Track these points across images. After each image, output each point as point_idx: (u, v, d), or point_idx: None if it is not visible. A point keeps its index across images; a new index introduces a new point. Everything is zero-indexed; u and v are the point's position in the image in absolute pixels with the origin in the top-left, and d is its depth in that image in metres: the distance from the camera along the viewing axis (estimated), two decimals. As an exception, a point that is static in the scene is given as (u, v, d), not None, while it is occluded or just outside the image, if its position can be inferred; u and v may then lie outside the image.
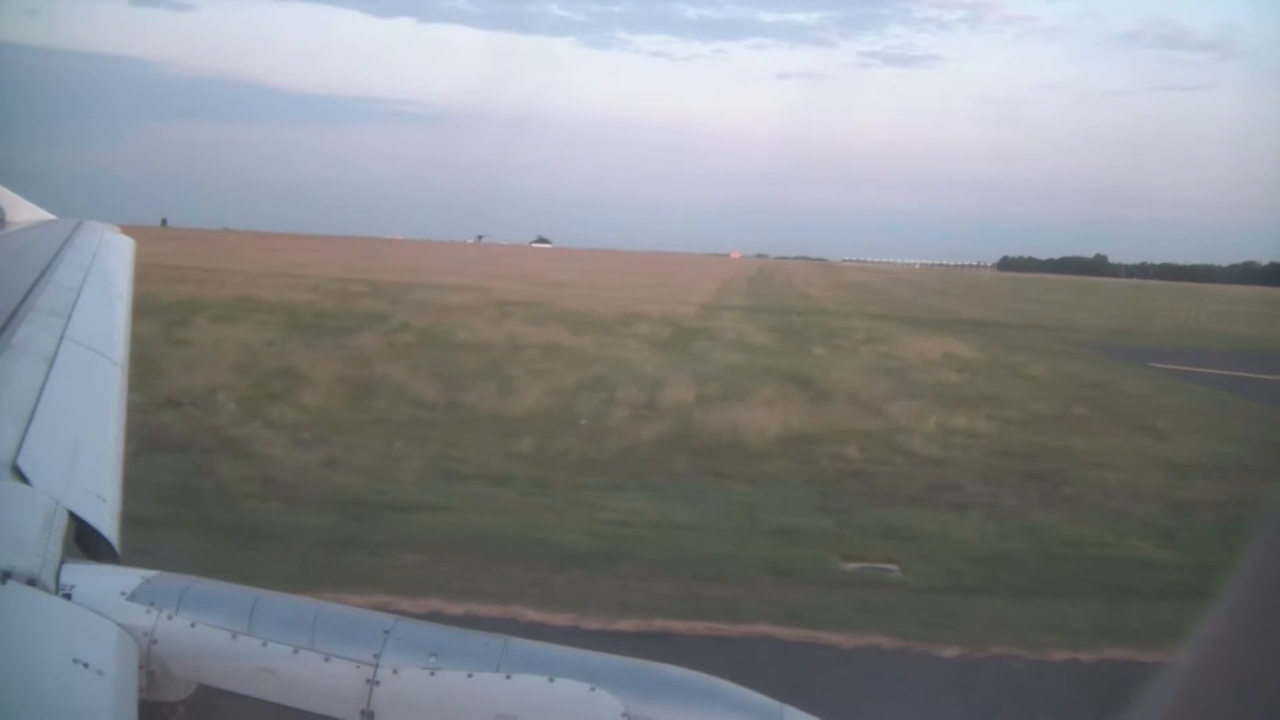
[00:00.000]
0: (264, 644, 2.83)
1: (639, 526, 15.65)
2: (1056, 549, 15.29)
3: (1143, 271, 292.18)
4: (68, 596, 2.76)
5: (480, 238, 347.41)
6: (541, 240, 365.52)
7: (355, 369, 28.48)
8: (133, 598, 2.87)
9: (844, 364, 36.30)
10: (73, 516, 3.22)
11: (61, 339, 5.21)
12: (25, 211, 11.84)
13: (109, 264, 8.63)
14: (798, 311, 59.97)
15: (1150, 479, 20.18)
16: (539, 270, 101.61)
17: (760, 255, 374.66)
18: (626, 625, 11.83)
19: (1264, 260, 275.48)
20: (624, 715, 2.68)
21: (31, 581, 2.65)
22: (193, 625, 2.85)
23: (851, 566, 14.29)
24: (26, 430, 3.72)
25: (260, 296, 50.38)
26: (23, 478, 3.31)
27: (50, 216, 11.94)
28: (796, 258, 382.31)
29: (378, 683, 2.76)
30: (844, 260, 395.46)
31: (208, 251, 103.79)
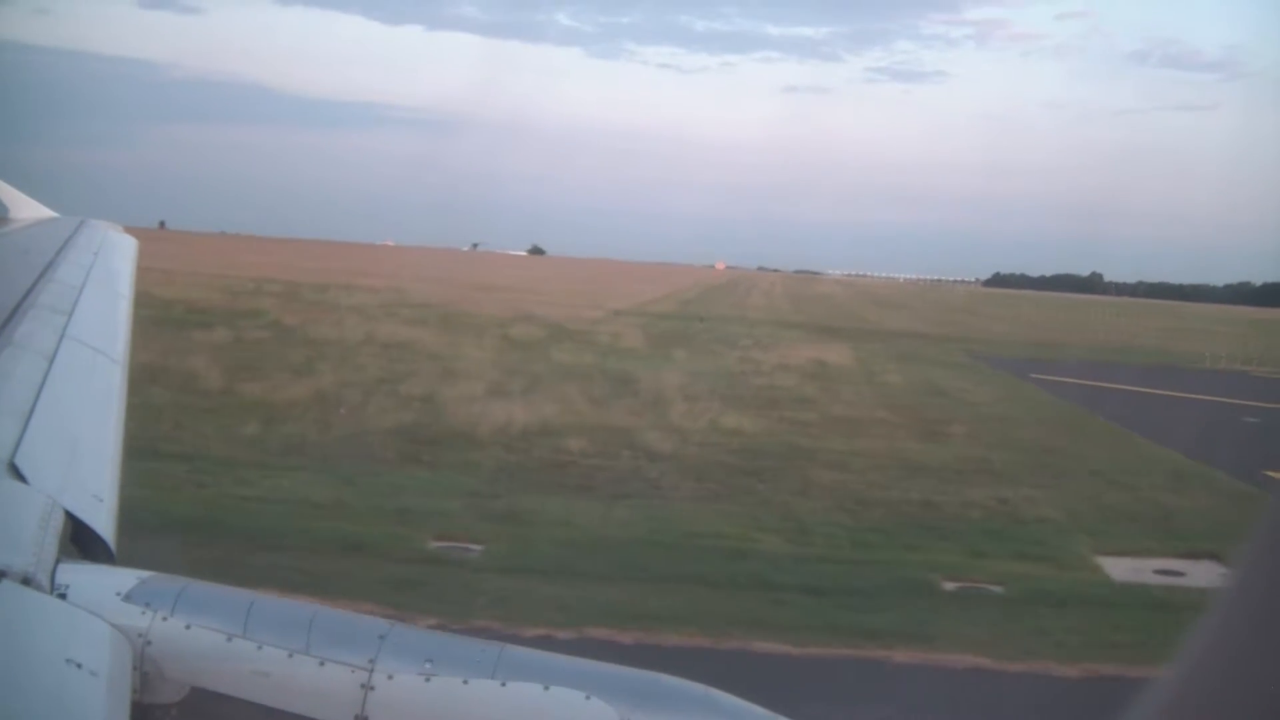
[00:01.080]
0: (259, 647, 2.80)
1: (269, 503, 15.72)
2: (669, 539, 15.21)
3: (1134, 290, 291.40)
4: (63, 596, 2.73)
5: (476, 245, 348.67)
6: (536, 250, 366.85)
7: (166, 357, 28.52)
8: (128, 598, 2.84)
9: (687, 367, 36.23)
10: (69, 516, 3.18)
11: (62, 337, 5.17)
12: (28, 209, 11.83)
13: (111, 263, 8.59)
14: (700, 318, 60.02)
15: (869, 479, 20.07)
16: (487, 277, 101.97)
17: (761, 268, 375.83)
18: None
19: (1258, 281, 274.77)
20: None
21: (26, 581, 2.61)
22: (188, 627, 2.82)
23: (435, 545, 14.27)
24: (25, 428, 3.67)
25: (154, 292, 50.54)
26: (20, 476, 3.27)
27: (53, 214, 11.93)
28: (797, 271, 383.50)
29: (372, 688, 2.74)
30: (841, 274, 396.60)
31: (168, 253, 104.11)
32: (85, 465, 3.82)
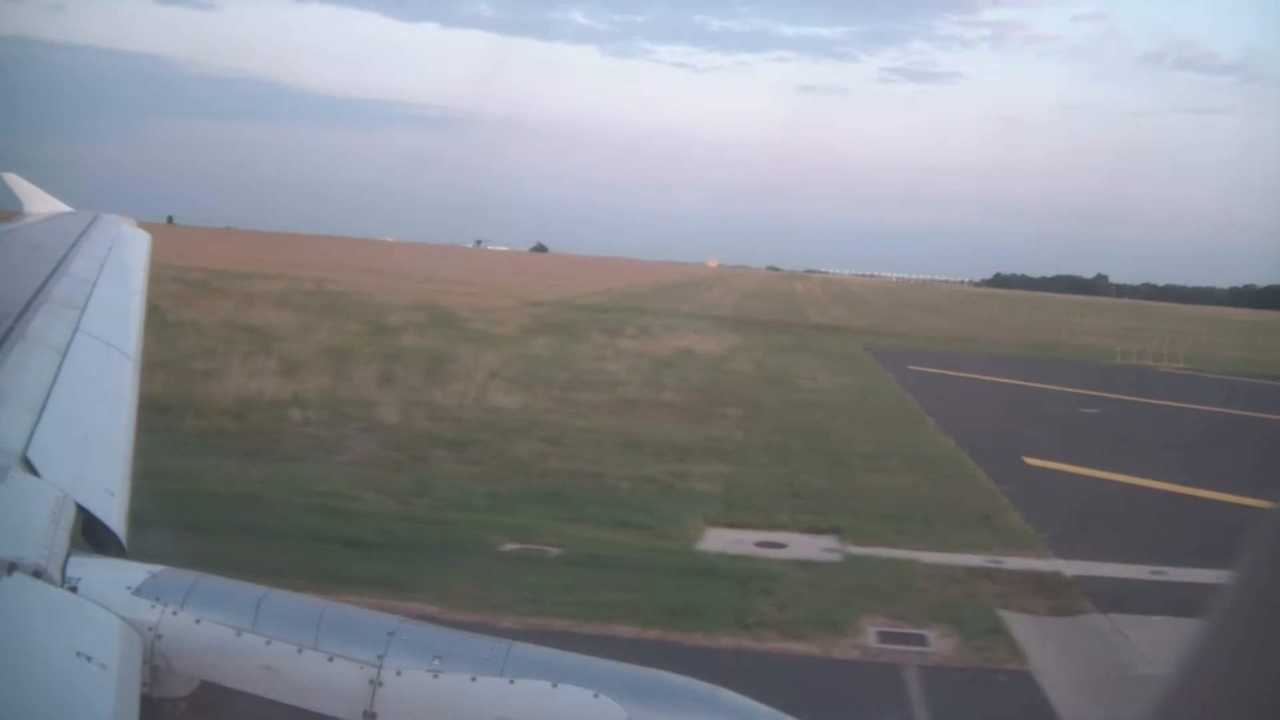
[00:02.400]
0: (268, 642, 2.81)
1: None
2: (276, 495, 15.54)
3: (1135, 292, 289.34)
4: (73, 589, 2.74)
5: (480, 242, 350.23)
6: (540, 247, 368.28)
7: None
8: (138, 592, 2.85)
9: (528, 352, 36.54)
10: (81, 509, 3.20)
11: (75, 331, 5.18)
12: (43, 203, 12.05)
13: (125, 257, 8.62)
14: (608, 309, 60.38)
15: (570, 453, 20.24)
16: (439, 270, 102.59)
17: (771, 268, 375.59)
18: None
19: (1262, 283, 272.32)
20: None
21: (37, 573, 2.61)
22: (198, 621, 2.83)
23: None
24: (37, 422, 3.68)
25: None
26: (32, 469, 3.28)
27: (67, 209, 12.04)
28: (807, 270, 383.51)
29: (381, 684, 2.75)
30: (849, 273, 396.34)
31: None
32: (97, 459, 3.83)
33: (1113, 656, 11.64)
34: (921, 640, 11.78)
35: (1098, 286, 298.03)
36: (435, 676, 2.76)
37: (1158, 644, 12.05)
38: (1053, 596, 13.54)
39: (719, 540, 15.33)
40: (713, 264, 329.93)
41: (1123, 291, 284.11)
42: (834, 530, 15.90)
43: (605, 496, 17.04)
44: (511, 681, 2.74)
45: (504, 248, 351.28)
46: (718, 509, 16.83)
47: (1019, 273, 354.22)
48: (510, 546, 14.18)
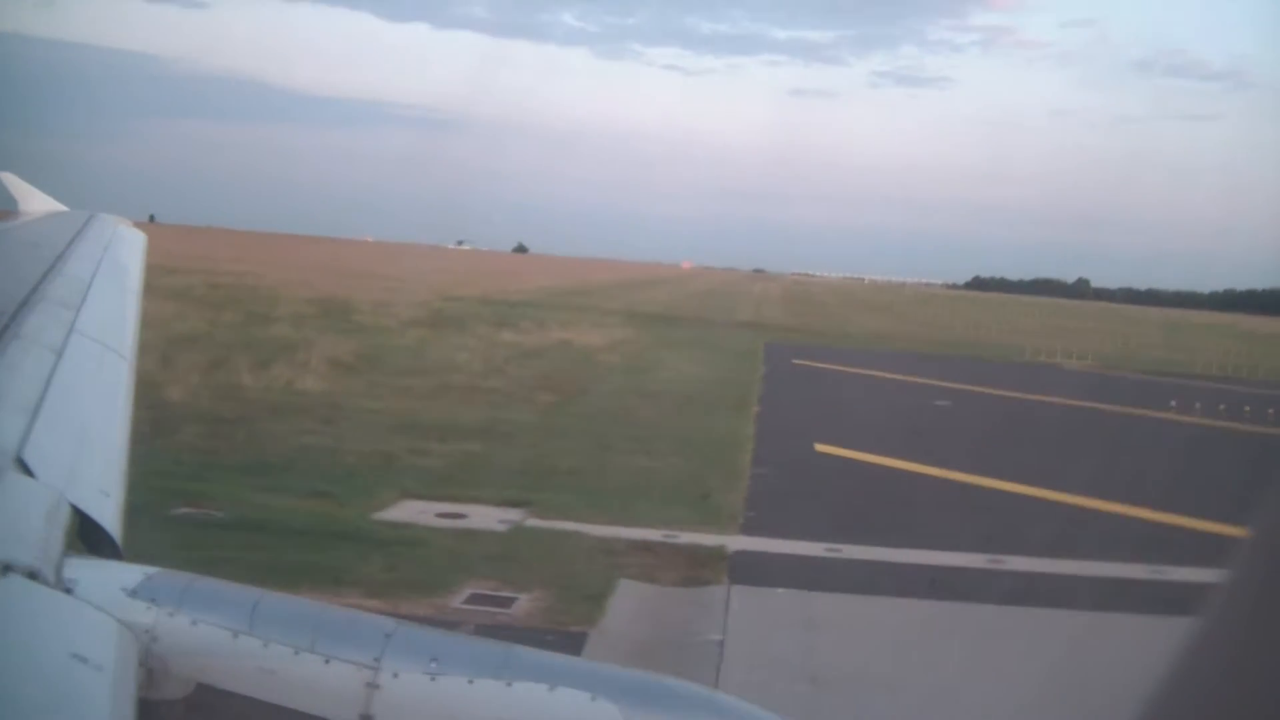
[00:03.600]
0: (265, 644, 2.80)
1: None
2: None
3: (1113, 295, 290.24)
4: (69, 591, 2.71)
5: (460, 243, 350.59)
6: (520, 248, 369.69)
7: None
8: (134, 594, 2.83)
9: (399, 344, 36.84)
10: (76, 510, 3.18)
11: (70, 331, 5.13)
12: (38, 202, 11.93)
13: (120, 257, 8.52)
14: (510, 303, 60.60)
15: (328, 428, 20.63)
16: (383, 268, 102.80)
17: (757, 270, 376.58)
18: None
19: (1242, 288, 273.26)
20: None
21: (32, 575, 2.58)
22: (194, 623, 2.82)
23: None
24: (32, 422, 3.64)
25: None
26: (27, 470, 3.24)
27: (63, 208, 11.99)
28: (793, 272, 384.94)
29: (378, 686, 2.74)
30: (835, 275, 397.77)
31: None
32: (92, 460, 3.83)
33: (690, 624, 11.80)
34: (508, 603, 11.92)
35: (1077, 290, 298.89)
36: (433, 679, 2.75)
37: (755, 614, 12.28)
38: (694, 569, 13.69)
39: (402, 511, 15.48)
40: (686, 265, 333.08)
41: (1101, 295, 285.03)
42: (527, 504, 16.03)
43: (321, 470, 17.22)
44: (509, 684, 2.74)
45: (485, 248, 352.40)
46: (429, 484, 16.98)
47: (998, 276, 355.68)
48: (181, 511, 14.33)
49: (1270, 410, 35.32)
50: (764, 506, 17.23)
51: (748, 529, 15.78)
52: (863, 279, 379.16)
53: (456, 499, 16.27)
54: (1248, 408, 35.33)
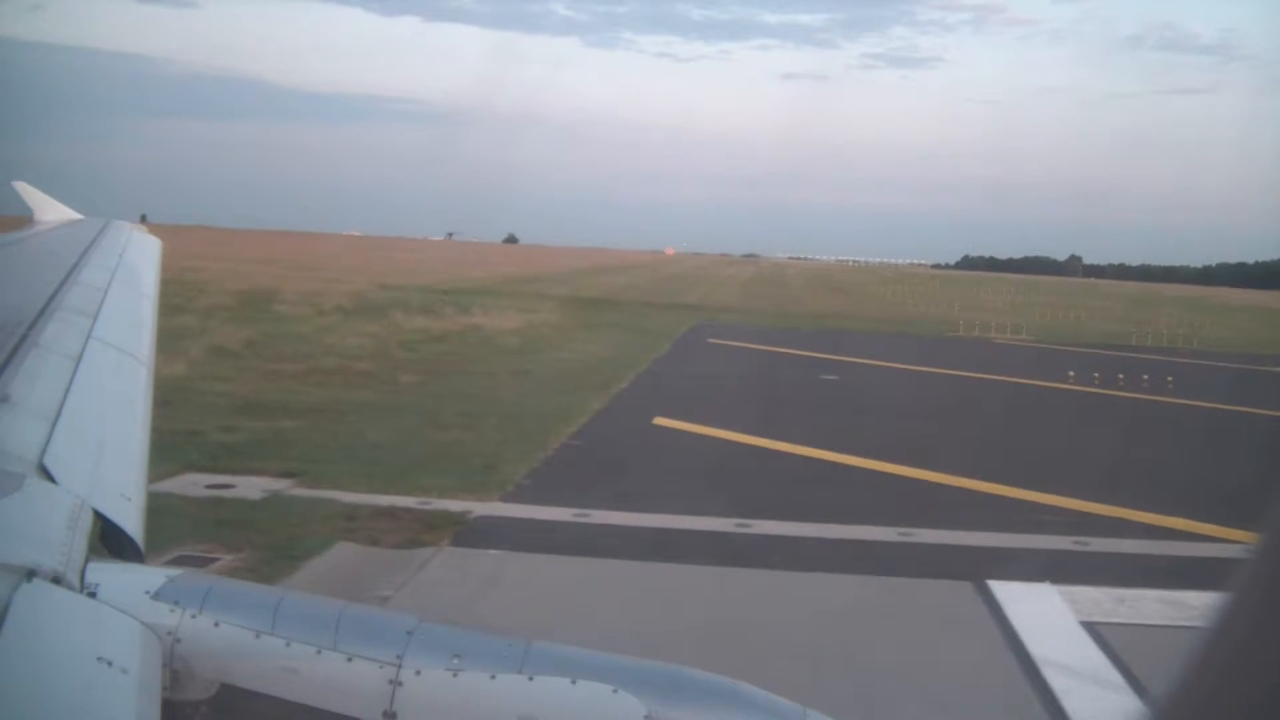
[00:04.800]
0: (287, 644, 2.83)
1: None
2: None
3: (1102, 272, 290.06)
4: (92, 595, 2.74)
5: (451, 235, 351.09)
6: (511, 239, 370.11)
7: None
8: (157, 596, 2.87)
9: (302, 330, 37.29)
10: (98, 515, 3.20)
11: (88, 338, 5.19)
12: (53, 211, 12.15)
13: (136, 263, 8.65)
14: (444, 291, 60.97)
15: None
16: (351, 260, 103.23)
17: (750, 254, 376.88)
18: None
19: (1233, 261, 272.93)
20: (646, 718, 2.70)
21: (56, 580, 2.60)
22: (216, 624, 2.86)
23: None
24: (53, 429, 3.70)
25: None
26: (49, 476, 3.29)
27: (78, 216, 12.20)
28: (788, 257, 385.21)
29: (400, 683, 2.77)
30: (832, 259, 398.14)
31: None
32: (113, 465, 3.85)
33: (370, 581, 12.21)
34: (207, 563, 12.36)
35: (1068, 268, 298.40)
36: (455, 675, 2.77)
37: (443, 573, 12.73)
38: (423, 532, 14.10)
39: (176, 483, 15.83)
40: (669, 251, 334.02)
41: (1090, 272, 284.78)
42: (301, 475, 16.47)
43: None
44: (531, 678, 2.76)
45: (476, 240, 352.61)
46: (221, 458, 17.37)
47: (987, 255, 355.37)
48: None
49: (1168, 378, 35.76)
50: (545, 476, 17.66)
51: (511, 497, 16.19)
52: (856, 261, 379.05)
53: (238, 472, 16.66)
54: (1146, 377, 35.76)
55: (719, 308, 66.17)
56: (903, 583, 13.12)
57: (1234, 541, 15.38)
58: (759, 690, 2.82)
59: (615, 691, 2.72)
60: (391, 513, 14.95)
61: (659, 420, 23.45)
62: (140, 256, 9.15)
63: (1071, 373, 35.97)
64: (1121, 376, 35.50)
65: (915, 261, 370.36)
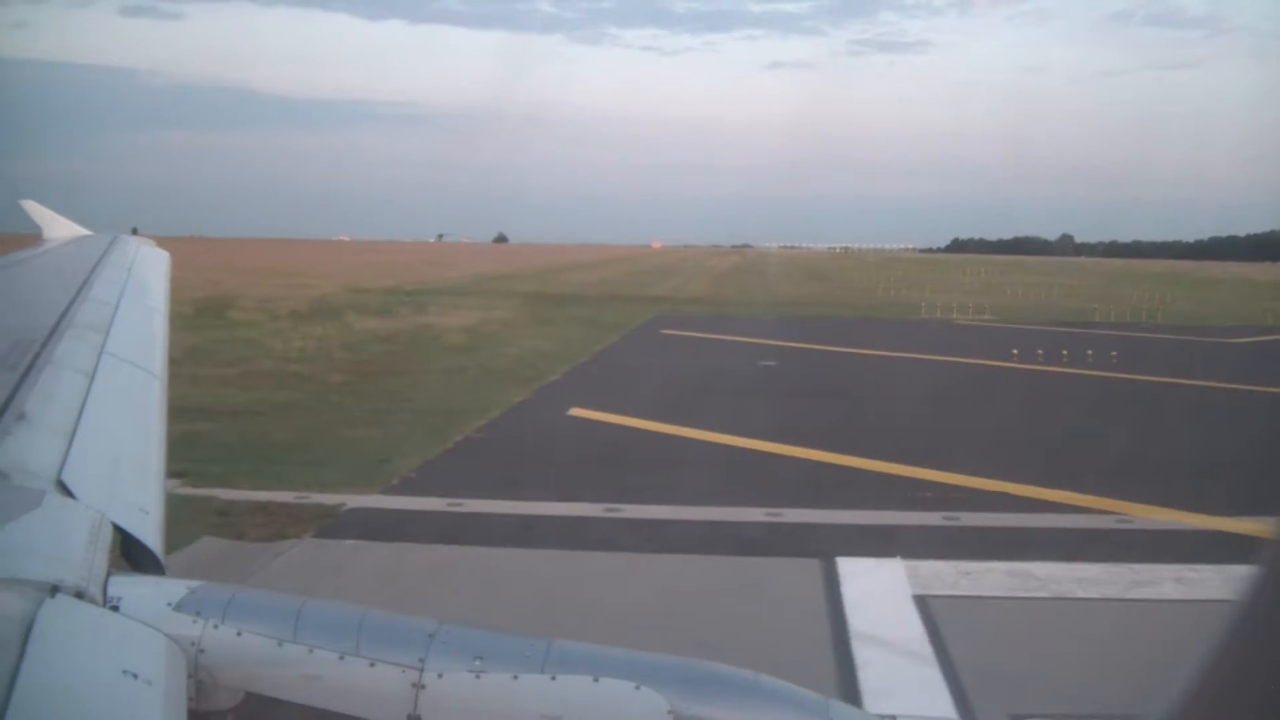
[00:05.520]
0: (310, 651, 2.85)
1: None
2: None
3: (1093, 250, 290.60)
4: (115, 608, 2.75)
5: (441, 236, 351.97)
6: (501, 238, 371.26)
7: None
8: (179, 608, 2.89)
9: (249, 335, 37.48)
10: (117, 529, 3.23)
11: (101, 354, 5.23)
12: (61, 228, 12.38)
13: (145, 277, 8.72)
14: (406, 291, 61.21)
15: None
16: (328, 265, 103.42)
17: (744, 244, 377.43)
18: None
19: (1224, 234, 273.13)
20: (669, 713, 2.69)
21: (79, 594, 2.62)
22: (239, 634, 2.88)
23: None
24: (70, 445, 3.74)
25: None
26: (68, 491, 3.31)
27: (86, 232, 12.41)
28: (780, 246, 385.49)
29: (423, 686, 2.78)
30: (813, 246, 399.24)
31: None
32: (130, 479, 3.89)
33: (221, 573, 12.34)
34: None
35: (1058, 247, 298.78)
36: (477, 677, 2.78)
37: (297, 562, 12.91)
38: (291, 526, 14.29)
39: None
40: (656, 245, 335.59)
41: (1081, 250, 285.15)
42: (188, 475, 16.61)
43: None
44: (553, 678, 2.76)
45: (467, 240, 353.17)
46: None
47: (976, 237, 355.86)
48: None
49: (1113, 353, 35.96)
50: (435, 468, 17.83)
51: (392, 489, 16.35)
52: (847, 248, 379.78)
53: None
54: (1090, 352, 35.98)
55: (686, 299, 66.36)
56: (750, 562, 13.28)
57: (1100, 511, 15.58)
58: (781, 682, 2.83)
59: (638, 688, 2.72)
60: (266, 508, 15.10)
61: (574, 411, 23.61)
62: (149, 270, 9.26)
63: (1015, 350, 36.15)
64: (1064, 353, 35.73)
65: (907, 246, 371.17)
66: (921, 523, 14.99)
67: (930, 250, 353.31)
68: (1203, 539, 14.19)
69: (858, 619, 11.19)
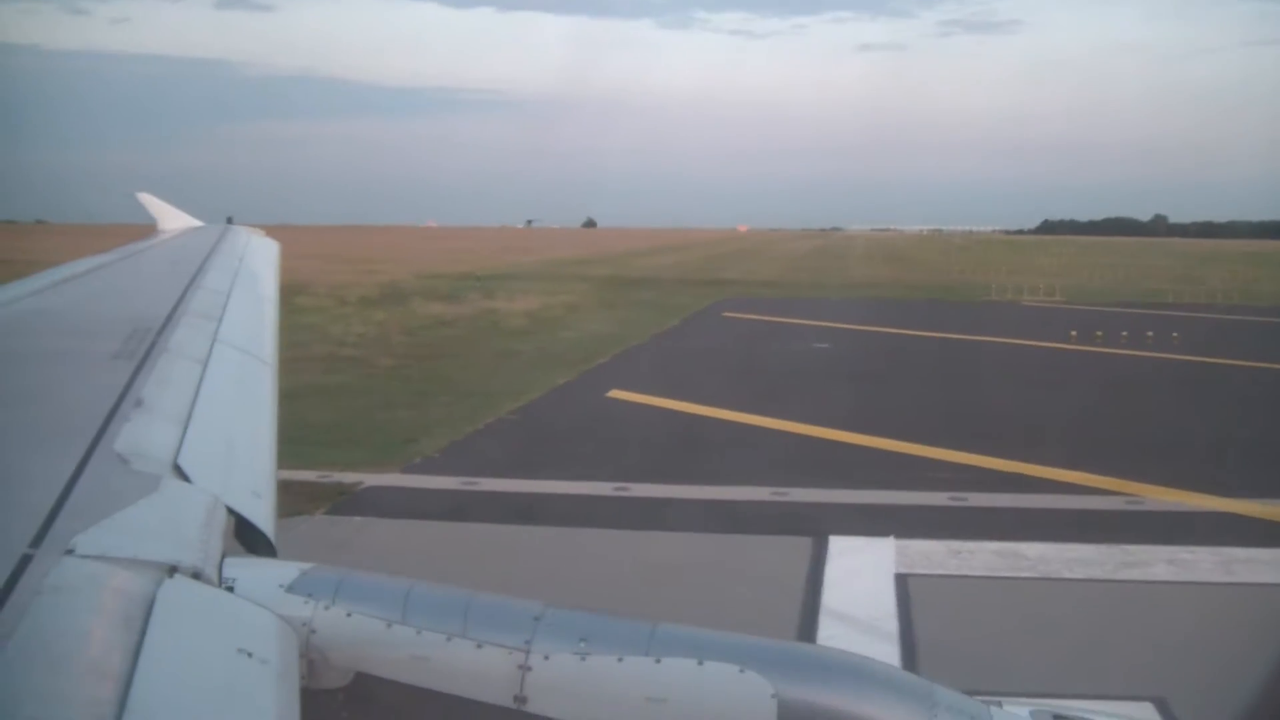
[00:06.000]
0: (418, 632, 2.91)
1: None
2: None
3: (1186, 230, 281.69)
4: (230, 589, 2.84)
5: (530, 222, 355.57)
6: (589, 223, 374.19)
7: None
8: (291, 589, 2.96)
9: (324, 322, 38.54)
10: (231, 512, 3.32)
11: (214, 341, 5.37)
12: (175, 219, 13.06)
13: (255, 266, 8.91)
14: (477, 277, 61.88)
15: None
16: (407, 252, 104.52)
17: (835, 228, 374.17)
18: None
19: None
20: (773, 696, 2.71)
21: (196, 575, 2.69)
22: (349, 615, 2.94)
23: None
24: (185, 430, 3.84)
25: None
26: (184, 476, 3.41)
27: (199, 224, 13.09)
28: (871, 229, 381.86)
29: (529, 668, 2.82)
30: (914, 229, 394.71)
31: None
32: (243, 463, 3.99)
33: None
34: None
35: (1151, 227, 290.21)
36: (582, 659, 2.81)
37: (301, 538, 13.47)
38: (307, 503, 14.90)
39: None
40: (741, 228, 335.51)
41: (1174, 230, 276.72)
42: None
43: None
44: (658, 660, 2.78)
45: (556, 225, 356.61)
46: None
47: (1067, 218, 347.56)
48: None
49: (1174, 334, 35.26)
50: (461, 448, 18.37)
51: (413, 468, 16.91)
52: (937, 230, 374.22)
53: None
54: (1150, 333, 35.33)
55: (758, 282, 66.21)
56: (740, 540, 13.54)
57: (1113, 493, 15.49)
58: (886, 666, 2.86)
59: (742, 671, 2.74)
60: (288, 486, 15.53)
61: (614, 393, 23.99)
62: (259, 259, 9.54)
63: (1074, 332, 35.61)
64: (1125, 334, 35.11)
65: (997, 228, 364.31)
66: (928, 503, 15.07)
67: (1020, 232, 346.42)
68: (1210, 521, 14.13)
69: (832, 596, 11.40)
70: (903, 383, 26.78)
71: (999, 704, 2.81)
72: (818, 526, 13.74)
